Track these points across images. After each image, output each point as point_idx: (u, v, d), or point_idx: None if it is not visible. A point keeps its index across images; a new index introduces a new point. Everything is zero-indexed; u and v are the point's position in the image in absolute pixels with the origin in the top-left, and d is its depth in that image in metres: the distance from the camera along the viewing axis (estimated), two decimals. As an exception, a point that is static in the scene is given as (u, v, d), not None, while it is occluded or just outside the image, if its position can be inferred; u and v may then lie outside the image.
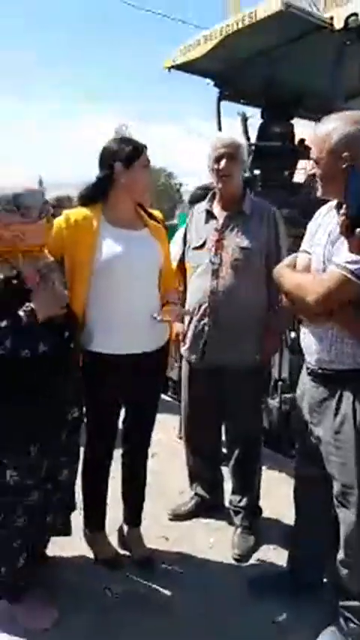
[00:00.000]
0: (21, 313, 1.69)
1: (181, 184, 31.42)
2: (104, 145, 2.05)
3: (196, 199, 3.32)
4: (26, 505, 1.85)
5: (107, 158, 2.01)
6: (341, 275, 1.52)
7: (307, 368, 1.84)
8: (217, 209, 2.38)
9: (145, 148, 2.04)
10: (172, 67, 4.58)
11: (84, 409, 2.10)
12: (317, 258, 1.69)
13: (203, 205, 2.43)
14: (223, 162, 2.24)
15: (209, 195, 2.44)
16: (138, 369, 2.07)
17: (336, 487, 1.76)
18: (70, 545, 2.31)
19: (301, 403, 1.91)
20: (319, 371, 1.76)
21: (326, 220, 1.72)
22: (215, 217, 2.36)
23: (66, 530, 2.16)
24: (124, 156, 1.97)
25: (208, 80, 4.91)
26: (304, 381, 1.89)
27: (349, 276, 1.51)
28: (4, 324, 1.65)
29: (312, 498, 1.96)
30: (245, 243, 2.25)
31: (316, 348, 1.74)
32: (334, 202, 1.72)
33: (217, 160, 2.25)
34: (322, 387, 1.77)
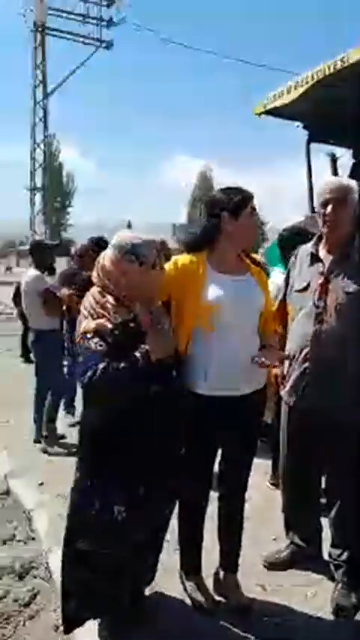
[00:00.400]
0: (137, 355, 1.79)
1: (263, 222, 31.68)
2: (212, 194, 2.15)
3: (285, 241, 3.33)
4: (131, 543, 1.91)
5: (215, 207, 2.09)
6: None
7: None
8: (322, 252, 2.33)
9: (252, 197, 2.09)
10: (263, 112, 4.74)
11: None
12: None
13: (308, 247, 2.40)
14: (329, 208, 2.22)
15: (315, 238, 2.41)
16: (236, 411, 2.09)
17: None
18: (167, 587, 2.33)
19: None
20: None
21: None
22: (321, 260, 2.31)
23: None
24: (231, 205, 2.05)
25: (297, 123, 5.01)
26: None
27: None
28: (122, 365, 1.75)
29: None
30: (352, 287, 2.18)
31: None
32: None
33: (324, 205, 2.24)
34: None
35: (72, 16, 17.83)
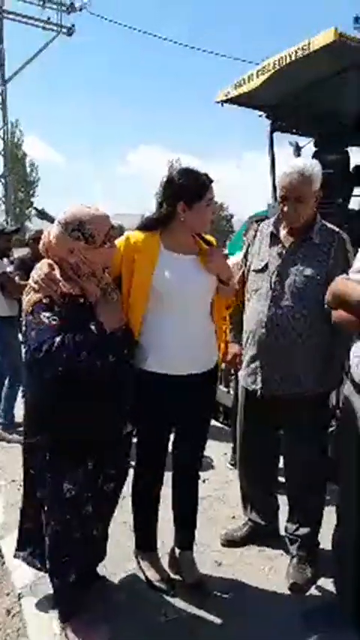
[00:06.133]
0: (92, 327, 1.77)
1: (232, 216, 31.89)
2: (169, 178, 2.04)
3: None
4: (81, 518, 1.89)
5: (171, 195, 2.01)
6: None
7: None
8: (283, 233, 2.27)
9: (210, 183, 2.01)
10: (225, 100, 4.71)
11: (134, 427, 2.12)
12: None
13: (269, 227, 2.32)
14: (286, 207, 2.16)
15: (275, 217, 2.33)
16: (187, 390, 2.07)
17: None
18: (122, 566, 2.31)
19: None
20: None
21: None
22: (281, 242, 2.25)
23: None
24: (188, 196, 1.97)
25: (260, 112, 5.01)
26: None
27: None
28: (78, 337, 1.72)
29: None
30: (309, 271, 2.14)
31: None
32: None
33: (281, 200, 2.18)
34: None
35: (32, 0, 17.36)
